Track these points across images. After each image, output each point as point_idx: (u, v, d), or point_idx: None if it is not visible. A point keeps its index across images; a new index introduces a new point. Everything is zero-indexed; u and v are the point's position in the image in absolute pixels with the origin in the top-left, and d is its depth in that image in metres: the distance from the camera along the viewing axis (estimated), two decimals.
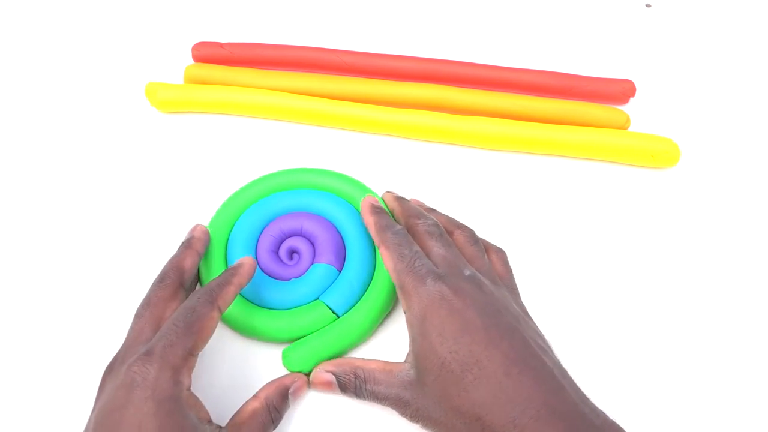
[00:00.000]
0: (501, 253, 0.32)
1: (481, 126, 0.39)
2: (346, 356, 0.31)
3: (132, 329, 0.27)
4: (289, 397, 0.29)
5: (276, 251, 0.34)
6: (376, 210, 0.31)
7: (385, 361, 0.29)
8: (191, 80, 0.43)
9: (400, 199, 0.33)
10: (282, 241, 0.34)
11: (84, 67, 0.45)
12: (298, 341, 0.30)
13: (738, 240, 0.37)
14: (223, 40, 0.45)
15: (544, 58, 0.46)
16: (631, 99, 0.43)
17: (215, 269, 0.32)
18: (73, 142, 0.41)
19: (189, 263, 0.30)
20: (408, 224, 0.31)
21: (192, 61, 0.45)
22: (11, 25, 0.48)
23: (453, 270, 0.27)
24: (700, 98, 0.44)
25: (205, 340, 0.26)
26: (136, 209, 0.37)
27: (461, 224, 0.32)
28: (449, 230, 0.31)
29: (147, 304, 0.28)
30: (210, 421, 0.26)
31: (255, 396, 0.28)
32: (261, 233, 0.34)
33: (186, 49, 0.45)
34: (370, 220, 0.31)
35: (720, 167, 0.40)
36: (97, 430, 0.23)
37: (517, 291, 0.31)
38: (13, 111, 0.42)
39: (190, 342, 0.25)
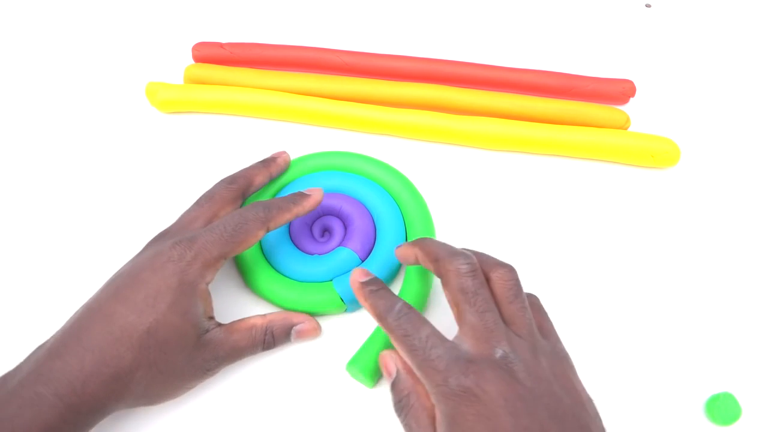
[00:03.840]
0: (532, 297, 0.29)
1: (481, 126, 0.39)
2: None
3: (188, 212, 0.31)
4: (292, 334, 0.31)
5: (310, 225, 0.35)
6: (370, 291, 0.27)
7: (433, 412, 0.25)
8: (191, 80, 0.43)
9: (419, 243, 0.28)
10: (319, 216, 0.35)
11: (84, 68, 0.45)
12: (357, 355, 0.30)
13: (738, 240, 0.37)
14: (223, 40, 0.45)
15: (544, 58, 0.46)
16: (631, 99, 0.43)
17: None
18: (74, 142, 0.41)
19: (259, 179, 0.34)
20: (438, 271, 0.26)
21: (192, 61, 0.45)
22: (11, 25, 0.48)
23: (482, 350, 0.23)
24: (700, 98, 0.44)
25: (241, 250, 0.29)
26: (136, 209, 0.37)
27: (500, 263, 0.27)
28: (486, 272, 0.26)
29: (210, 197, 0.31)
30: (212, 318, 0.29)
31: (263, 315, 0.30)
32: None
33: (186, 49, 0.45)
34: (366, 306, 0.27)
35: (720, 167, 0.40)
36: (127, 278, 0.27)
37: (555, 337, 0.27)
38: (14, 111, 0.42)
39: (229, 248, 0.28)
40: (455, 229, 0.37)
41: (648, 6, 0.51)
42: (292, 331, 0.31)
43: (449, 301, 0.26)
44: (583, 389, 0.25)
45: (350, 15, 0.49)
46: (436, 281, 0.34)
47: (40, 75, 0.44)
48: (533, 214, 0.38)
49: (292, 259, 0.33)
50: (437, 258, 0.26)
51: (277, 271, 0.33)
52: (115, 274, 0.29)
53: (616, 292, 0.34)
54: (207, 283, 0.28)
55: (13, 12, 0.49)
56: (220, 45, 0.44)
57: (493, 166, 0.40)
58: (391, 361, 0.27)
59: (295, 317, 0.31)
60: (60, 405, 0.24)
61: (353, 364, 0.30)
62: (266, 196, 0.36)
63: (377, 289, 0.27)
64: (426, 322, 0.25)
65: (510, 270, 0.26)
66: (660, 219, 0.38)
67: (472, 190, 0.39)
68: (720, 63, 0.47)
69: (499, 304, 0.25)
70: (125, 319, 0.26)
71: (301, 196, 0.31)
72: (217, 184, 0.33)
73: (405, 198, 0.36)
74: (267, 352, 0.31)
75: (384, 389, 0.30)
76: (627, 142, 0.39)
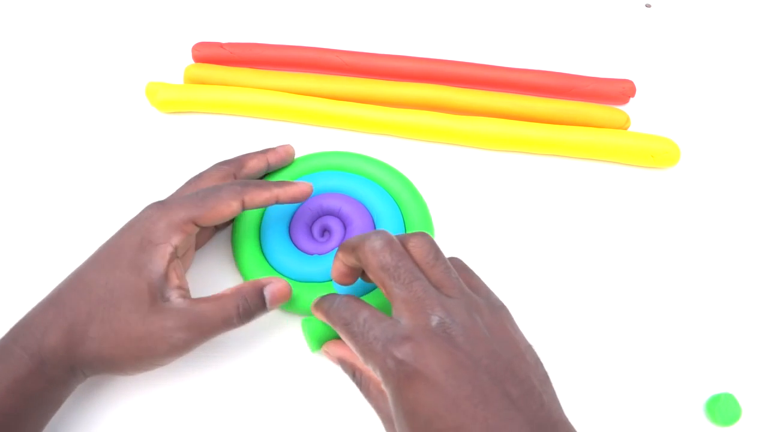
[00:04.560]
0: (455, 260, 0.28)
1: (481, 126, 0.39)
2: None
3: (178, 190, 0.32)
4: (266, 297, 0.29)
5: (310, 226, 0.35)
6: (319, 299, 0.28)
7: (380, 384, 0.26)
8: (191, 80, 0.43)
9: (339, 247, 0.28)
10: (319, 217, 0.35)
11: (84, 67, 0.45)
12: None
13: (737, 240, 0.37)
14: (223, 40, 0.45)
15: (544, 58, 0.46)
16: (631, 99, 0.43)
17: (247, 230, 0.34)
18: (74, 142, 0.41)
19: (253, 164, 0.34)
20: (359, 259, 0.26)
21: (192, 61, 0.45)
22: (11, 25, 0.48)
23: (418, 321, 0.23)
24: (700, 98, 0.44)
25: (211, 219, 0.29)
26: (136, 209, 0.37)
27: (412, 233, 0.26)
28: (402, 242, 0.26)
29: (199, 175, 0.32)
30: (181, 288, 0.28)
31: (232, 287, 0.29)
32: (301, 204, 0.35)
33: (186, 49, 0.45)
34: (319, 315, 0.27)
35: (720, 167, 0.40)
36: (114, 236, 0.29)
37: (486, 290, 0.27)
38: (14, 111, 0.42)
39: (197, 212, 0.28)
40: (455, 229, 0.37)
41: (648, 6, 0.51)
42: (265, 294, 0.29)
43: (376, 283, 0.25)
44: (522, 338, 0.25)
45: (350, 15, 0.49)
46: None
47: (41, 75, 0.44)
48: (533, 214, 0.38)
49: (291, 259, 0.33)
50: (353, 247, 0.26)
51: (277, 271, 0.33)
52: None
53: (616, 292, 0.34)
54: (173, 246, 0.28)
55: (14, 12, 0.49)
56: (220, 45, 0.44)
57: (493, 166, 0.40)
58: (330, 356, 0.29)
59: (264, 279, 0.29)
60: (25, 357, 0.25)
61: (307, 322, 0.29)
62: None
63: (325, 296, 0.27)
64: (365, 306, 0.25)
65: (423, 235, 0.26)
66: (660, 219, 0.38)
67: (472, 190, 0.39)
68: (720, 63, 0.47)
69: (422, 272, 0.25)
70: (89, 275, 0.27)
71: (287, 182, 0.31)
72: (211, 165, 0.33)
73: (405, 198, 0.36)
74: (272, 347, 0.31)
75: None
76: (627, 142, 0.39)
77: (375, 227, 0.34)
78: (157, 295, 0.27)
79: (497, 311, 0.25)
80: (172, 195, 0.32)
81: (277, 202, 0.30)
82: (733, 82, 0.46)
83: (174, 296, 0.27)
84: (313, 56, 0.44)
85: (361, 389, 0.28)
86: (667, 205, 0.38)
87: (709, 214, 0.38)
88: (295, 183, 0.31)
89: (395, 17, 0.49)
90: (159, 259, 0.27)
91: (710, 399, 0.30)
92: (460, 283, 0.25)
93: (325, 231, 0.35)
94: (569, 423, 0.23)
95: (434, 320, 0.23)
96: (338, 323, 0.25)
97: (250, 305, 0.28)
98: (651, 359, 0.32)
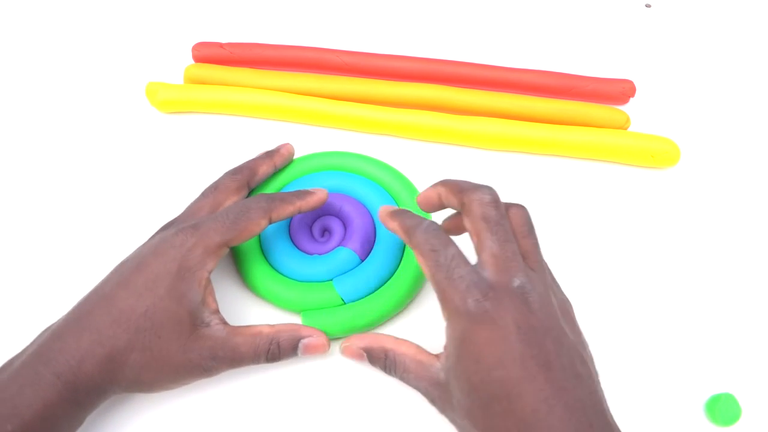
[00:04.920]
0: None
1: (481, 126, 0.39)
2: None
3: (194, 203, 0.32)
4: (300, 348, 0.29)
5: (310, 226, 0.35)
6: (397, 212, 0.28)
7: (418, 348, 0.28)
8: (191, 80, 0.43)
9: (441, 181, 0.29)
10: (319, 216, 0.35)
11: (84, 67, 0.45)
12: (318, 311, 0.31)
13: (737, 240, 0.37)
14: (223, 40, 0.45)
15: (544, 58, 0.46)
16: (631, 99, 0.43)
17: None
18: (74, 142, 0.41)
19: (263, 170, 0.34)
20: (461, 202, 0.27)
21: (192, 61, 0.45)
22: (11, 25, 0.48)
23: (501, 278, 0.24)
24: (700, 98, 0.44)
25: (243, 239, 0.29)
26: (136, 209, 0.37)
27: (514, 202, 0.28)
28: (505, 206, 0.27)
29: (214, 188, 0.32)
30: (216, 312, 0.29)
31: (272, 325, 0.29)
32: None
33: (186, 49, 0.45)
34: (394, 225, 0.28)
35: (720, 167, 0.40)
36: (131, 264, 0.28)
37: (558, 286, 0.28)
38: (14, 111, 0.42)
39: (230, 235, 0.28)
40: None
41: (648, 6, 0.51)
42: (300, 345, 0.29)
43: (470, 231, 0.26)
44: (582, 333, 0.26)
45: (350, 15, 0.49)
46: None
47: (41, 75, 0.45)
48: (533, 214, 0.37)
49: (292, 259, 0.33)
50: (461, 189, 0.27)
51: (277, 271, 0.33)
52: (122, 261, 0.29)
53: (615, 292, 0.34)
54: (208, 272, 0.28)
55: (14, 12, 0.49)
56: (220, 45, 0.44)
57: (493, 166, 0.40)
58: (353, 350, 0.29)
59: (304, 330, 0.30)
60: (58, 383, 0.25)
61: (308, 316, 0.31)
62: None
63: (405, 211, 0.28)
64: (452, 242, 0.26)
65: (523, 207, 0.27)
66: (660, 219, 0.38)
67: None
68: (720, 63, 0.47)
69: (515, 238, 0.26)
70: (125, 302, 0.26)
71: (306, 192, 0.31)
72: (222, 175, 0.33)
73: (405, 198, 0.36)
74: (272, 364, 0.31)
75: (379, 393, 0.30)
76: (627, 142, 0.39)
77: (375, 227, 0.34)
78: (196, 321, 0.27)
79: (566, 301, 0.27)
80: (189, 208, 0.32)
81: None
82: (733, 82, 0.46)
83: (214, 322, 0.28)
84: (313, 56, 0.44)
85: (395, 370, 0.28)
86: (667, 205, 0.38)
87: (709, 214, 0.38)
88: (314, 192, 0.32)
89: (395, 17, 0.49)
90: (197, 287, 0.27)
91: (710, 399, 0.30)
92: (543, 262, 0.27)
93: (326, 231, 0.35)
94: (614, 422, 0.23)
95: (516, 282, 0.24)
96: (424, 247, 0.25)
97: (280, 351, 0.29)
98: (651, 359, 0.32)
